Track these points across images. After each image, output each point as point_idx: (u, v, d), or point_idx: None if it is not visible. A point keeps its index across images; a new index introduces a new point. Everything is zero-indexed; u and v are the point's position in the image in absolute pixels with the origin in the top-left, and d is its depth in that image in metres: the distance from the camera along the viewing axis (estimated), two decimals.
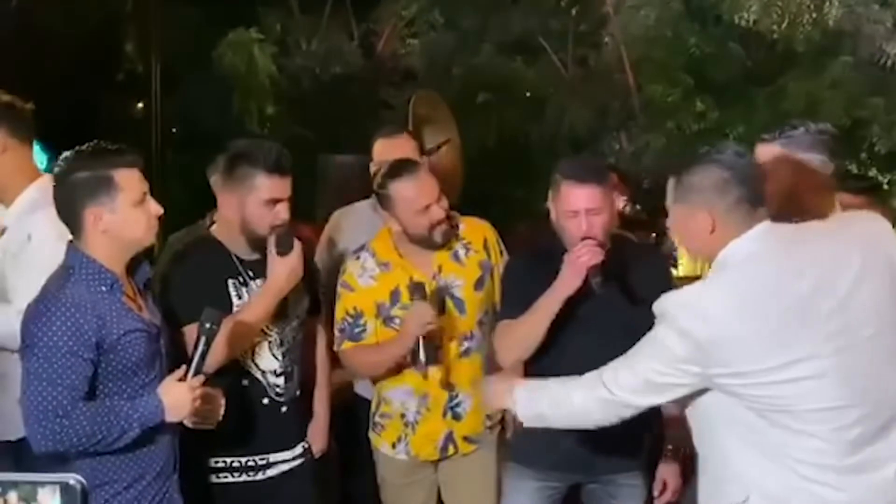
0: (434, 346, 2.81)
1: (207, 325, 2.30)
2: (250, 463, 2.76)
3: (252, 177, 2.64)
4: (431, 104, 4.96)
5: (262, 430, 2.75)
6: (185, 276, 2.70)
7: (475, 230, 3.04)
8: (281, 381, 2.77)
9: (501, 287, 2.93)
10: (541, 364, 2.74)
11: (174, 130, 7.21)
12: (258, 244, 2.70)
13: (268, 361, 2.75)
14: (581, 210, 2.65)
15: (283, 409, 2.79)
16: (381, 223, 3.06)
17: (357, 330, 2.98)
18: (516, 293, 2.77)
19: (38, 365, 2.22)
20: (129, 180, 2.31)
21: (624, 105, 6.53)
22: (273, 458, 2.80)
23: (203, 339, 2.30)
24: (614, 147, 6.31)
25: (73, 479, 1.22)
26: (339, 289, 2.99)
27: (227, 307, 2.65)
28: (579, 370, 2.61)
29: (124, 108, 7.42)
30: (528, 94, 6.97)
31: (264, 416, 2.75)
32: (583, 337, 2.69)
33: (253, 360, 2.73)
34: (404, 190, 2.89)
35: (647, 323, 2.41)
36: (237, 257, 2.74)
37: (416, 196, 2.88)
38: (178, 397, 2.28)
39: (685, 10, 6.18)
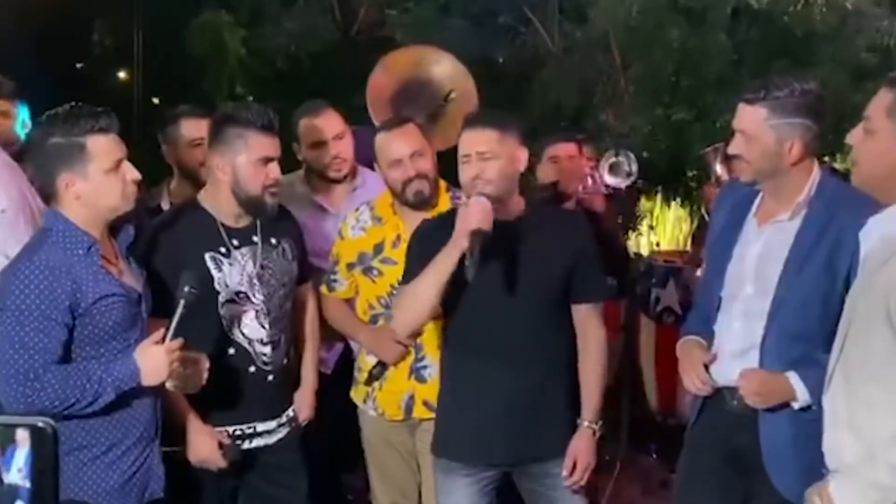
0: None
1: (186, 289, 2.31)
2: (237, 432, 2.78)
3: (244, 136, 2.68)
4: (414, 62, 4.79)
5: (249, 399, 2.77)
6: (168, 244, 2.70)
7: None
8: (268, 349, 2.78)
9: (406, 254, 2.84)
10: (456, 333, 2.72)
11: (156, 101, 7.15)
12: (251, 206, 2.72)
13: (254, 330, 2.76)
14: (472, 154, 2.61)
15: (270, 377, 2.81)
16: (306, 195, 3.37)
17: (332, 277, 3.14)
18: (418, 259, 2.69)
19: (10, 328, 2.21)
20: (102, 146, 2.28)
21: (609, 81, 6.51)
22: (260, 427, 2.82)
23: (182, 303, 2.29)
24: (601, 123, 6.29)
25: (42, 421, 1.20)
26: (336, 236, 3.17)
27: (208, 281, 2.67)
28: (492, 337, 2.64)
29: (106, 78, 7.37)
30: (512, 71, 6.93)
31: (251, 384, 2.77)
32: (493, 302, 2.64)
33: (239, 329, 2.74)
34: (378, 141, 3.02)
35: (557, 286, 2.46)
36: (223, 225, 2.73)
37: (384, 148, 2.98)
38: (154, 361, 2.27)
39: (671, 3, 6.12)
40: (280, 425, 2.88)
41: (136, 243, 2.56)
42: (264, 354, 2.78)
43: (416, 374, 3.03)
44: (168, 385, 2.38)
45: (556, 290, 2.72)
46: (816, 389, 2.35)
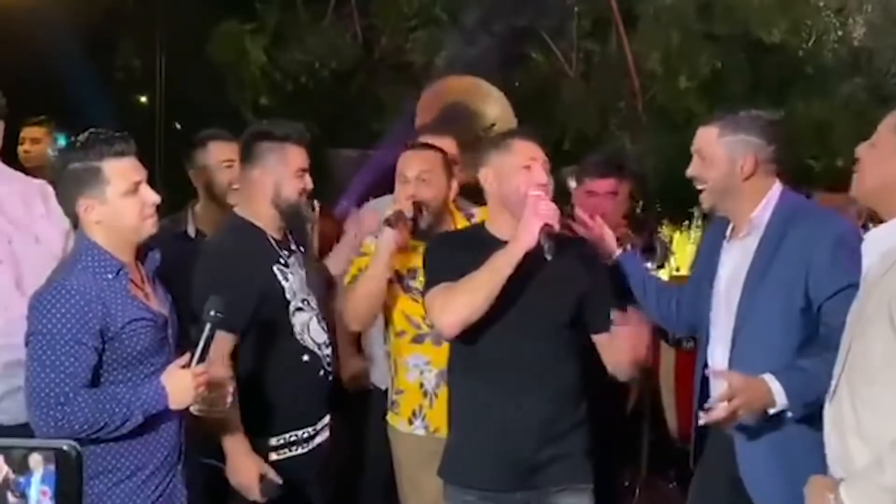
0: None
1: (212, 313, 2.31)
2: (304, 435, 2.90)
3: (283, 150, 2.81)
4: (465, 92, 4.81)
5: (320, 401, 2.93)
6: (236, 261, 2.78)
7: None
8: (329, 351, 2.94)
9: (425, 265, 2.79)
10: (467, 355, 2.67)
11: (178, 126, 7.21)
12: (292, 215, 2.88)
13: (319, 334, 2.90)
14: (538, 158, 2.62)
15: (330, 378, 2.95)
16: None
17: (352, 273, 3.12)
18: (445, 263, 2.65)
19: (41, 351, 2.23)
20: (119, 170, 2.29)
21: (628, 105, 6.52)
22: (319, 425, 2.96)
23: (208, 327, 2.29)
24: (617, 147, 6.29)
25: (66, 444, 1.20)
26: (356, 258, 3.15)
27: (280, 293, 2.78)
28: (505, 360, 2.61)
29: (127, 101, 7.44)
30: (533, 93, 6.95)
31: (321, 387, 2.92)
32: (505, 325, 2.61)
33: (309, 335, 2.85)
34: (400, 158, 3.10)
35: (569, 313, 2.50)
36: (272, 237, 2.85)
37: (398, 165, 3.05)
38: (180, 384, 2.28)
39: (701, 28, 6.12)
40: (325, 424, 2.98)
41: (164, 267, 2.58)
42: (328, 357, 2.92)
43: None
44: (193, 409, 2.38)
45: (567, 316, 2.70)
46: (796, 392, 2.39)
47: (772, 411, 2.46)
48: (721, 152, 2.59)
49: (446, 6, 6.61)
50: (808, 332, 2.50)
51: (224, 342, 2.65)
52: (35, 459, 1.21)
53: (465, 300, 2.55)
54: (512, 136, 2.73)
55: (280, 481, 2.77)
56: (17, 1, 6.25)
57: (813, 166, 5.70)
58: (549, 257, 2.48)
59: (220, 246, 2.88)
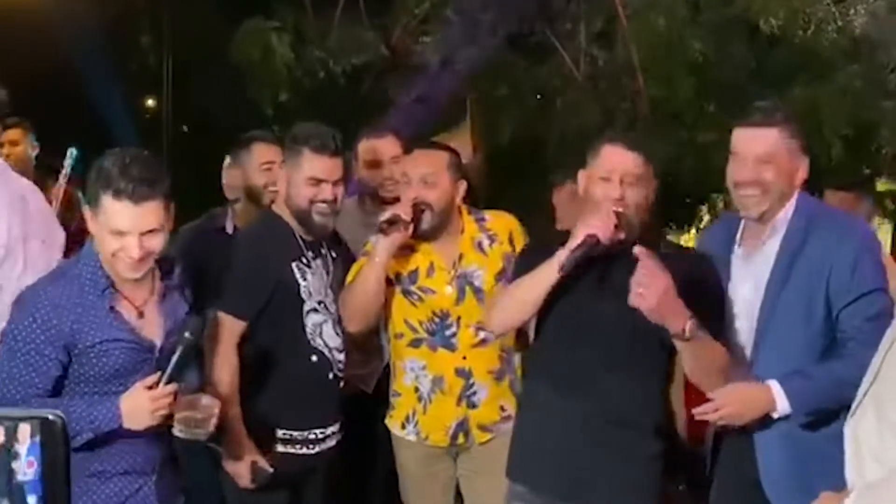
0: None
1: (186, 335, 2.25)
2: (311, 436, 2.86)
3: (299, 154, 2.80)
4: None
5: (326, 404, 2.89)
6: (258, 253, 2.79)
7: (501, 223, 3.03)
8: (342, 356, 2.91)
9: (514, 264, 2.77)
10: (540, 356, 2.63)
11: (185, 129, 7.24)
12: (301, 220, 2.84)
13: (332, 338, 2.88)
14: (617, 172, 2.47)
15: (341, 383, 2.92)
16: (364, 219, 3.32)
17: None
18: (523, 267, 2.60)
19: (2, 357, 2.23)
20: (114, 211, 2.20)
21: (632, 107, 6.51)
22: (329, 430, 2.91)
23: (180, 349, 2.23)
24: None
25: (52, 413, 1.20)
26: (360, 258, 3.00)
27: (295, 288, 2.78)
28: (574, 363, 2.50)
29: (136, 103, 7.47)
30: (538, 97, 6.96)
31: (329, 390, 2.88)
32: (579, 328, 2.51)
33: (321, 337, 2.84)
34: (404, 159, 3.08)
35: (646, 325, 2.27)
36: (300, 236, 2.85)
37: (403, 166, 3.01)
38: (136, 405, 2.22)
39: (691, 15, 6.12)
40: (335, 431, 2.95)
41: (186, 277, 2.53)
42: (340, 361, 2.89)
43: (467, 400, 2.96)
44: (174, 430, 2.30)
45: (644, 327, 2.40)
46: (799, 398, 2.35)
47: (776, 415, 2.43)
48: (786, 156, 2.46)
49: (456, 8, 6.63)
50: (831, 339, 2.45)
51: (234, 327, 2.69)
52: (23, 432, 1.21)
53: (510, 303, 2.57)
54: (602, 141, 2.55)
55: (271, 470, 2.76)
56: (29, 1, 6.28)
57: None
58: (565, 266, 2.38)
59: (246, 236, 2.93)
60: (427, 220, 2.89)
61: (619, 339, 2.49)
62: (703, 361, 2.44)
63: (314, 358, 2.83)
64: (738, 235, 2.60)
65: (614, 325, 2.46)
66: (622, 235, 2.44)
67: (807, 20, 5.78)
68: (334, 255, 2.96)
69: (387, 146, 3.55)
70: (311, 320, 2.82)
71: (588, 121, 6.32)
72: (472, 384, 2.94)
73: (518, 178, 6.61)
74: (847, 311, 2.40)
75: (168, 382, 2.21)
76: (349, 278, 2.98)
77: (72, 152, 3.89)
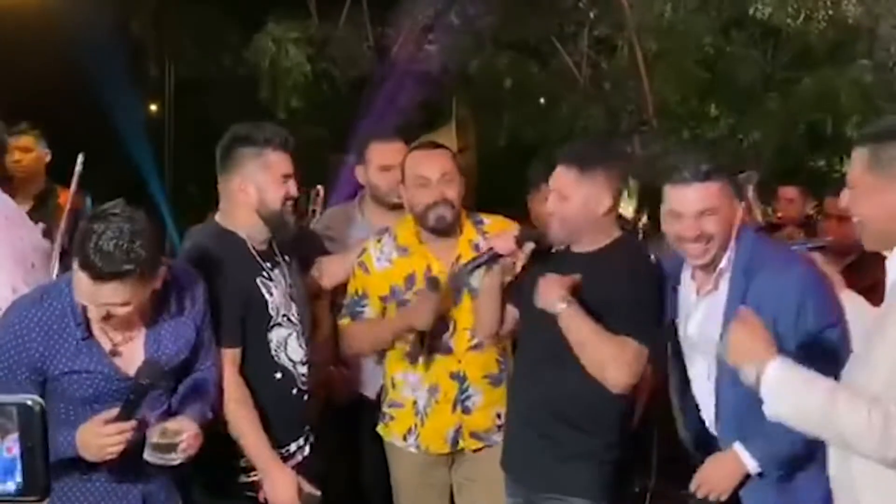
0: (441, 335, 2.81)
1: (143, 381, 2.23)
2: (281, 454, 2.69)
3: (265, 155, 2.64)
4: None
5: (291, 420, 2.74)
6: (222, 273, 2.62)
7: (500, 226, 2.99)
8: (305, 370, 2.75)
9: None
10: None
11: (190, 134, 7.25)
12: (274, 223, 2.68)
13: (295, 351, 2.73)
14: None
15: (306, 397, 2.77)
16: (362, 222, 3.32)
17: (358, 309, 3.02)
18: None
19: None
20: (78, 279, 2.18)
21: (637, 110, 6.49)
22: (294, 446, 2.76)
23: (136, 392, 2.22)
24: (626, 151, 6.25)
25: (30, 399, 1.18)
26: (356, 267, 3.00)
27: (263, 308, 2.65)
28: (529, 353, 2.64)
29: (140, 110, 7.48)
30: (541, 101, 6.96)
31: (294, 406, 2.73)
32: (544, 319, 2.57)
33: (285, 352, 2.71)
34: (408, 160, 3.03)
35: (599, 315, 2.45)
36: (254, 248, 2.68)
37: (414, 168, 2.97)
38: (87, 439, 2.23)
39: (700, 5, 6.10)
40: (304, 444, 2.81)
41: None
42: (303, 375, 2.74)
43: (462, 405, 2.96)
44: (145, 455, 2.27)
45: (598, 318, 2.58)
46: (763, 457, 2.42)
47: (752, 473, 2.47)
48: (725, 205, 2.44)
49: (460, 13, 6.65)
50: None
51: (233, 357, 2.59)
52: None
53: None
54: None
55: (319, 493, 2.68)
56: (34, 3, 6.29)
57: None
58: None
59: (205, 257, 2.68)
60: (450, 216, 2.91)
61: (560, 336, 2.55)
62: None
63: (278, 375, 2.70)
64: (690, 274, 2.60)
65: (556, 322, 2.54)
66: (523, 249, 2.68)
67: (796, 8, 5.75)
68: (287, 258, 2.80)
69: (400, 151, 3.44)
70: (275, 335, 2.69)
71: (592, 123, 6.33)
72: (467, 388, 2.93)
73: (521, 183, 6.60)
74: (797, 354, 2.34)
75: (123, 419, 2.20)
76: (350, 290, 2.96)
77: (81, 159, 3.87)
